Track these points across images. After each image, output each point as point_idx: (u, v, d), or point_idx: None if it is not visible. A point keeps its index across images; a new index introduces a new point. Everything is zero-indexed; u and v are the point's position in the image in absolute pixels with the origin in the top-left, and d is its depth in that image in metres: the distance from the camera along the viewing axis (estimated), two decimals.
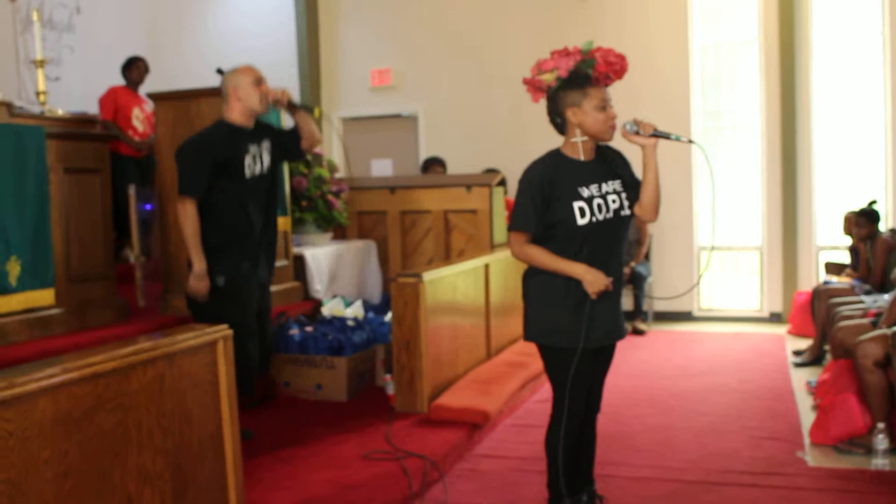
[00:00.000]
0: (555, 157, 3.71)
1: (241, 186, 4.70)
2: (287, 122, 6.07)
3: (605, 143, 3.73)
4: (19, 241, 4.75)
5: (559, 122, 3.68)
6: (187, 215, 4.57)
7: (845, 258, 8.32)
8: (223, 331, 3.45)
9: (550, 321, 3.66)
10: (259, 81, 4.75)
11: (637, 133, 3.61)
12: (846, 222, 7.94)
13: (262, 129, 4.90)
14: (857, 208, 7.89)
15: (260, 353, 4.96)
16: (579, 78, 3.62)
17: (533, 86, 3.76)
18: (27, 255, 4.80)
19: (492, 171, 8.51)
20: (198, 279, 4.61)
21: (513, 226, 3.66)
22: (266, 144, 4.86)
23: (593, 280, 3.52)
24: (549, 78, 3.67)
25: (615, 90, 3.77)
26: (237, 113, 4.74)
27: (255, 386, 4.96)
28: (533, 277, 3.71)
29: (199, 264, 4.60)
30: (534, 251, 3.62)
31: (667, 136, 3.64)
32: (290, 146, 5.03)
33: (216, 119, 4.84)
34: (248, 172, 4.72)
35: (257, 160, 4.77)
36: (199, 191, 4.58)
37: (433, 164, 9.31)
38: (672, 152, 9.29)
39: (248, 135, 4.78)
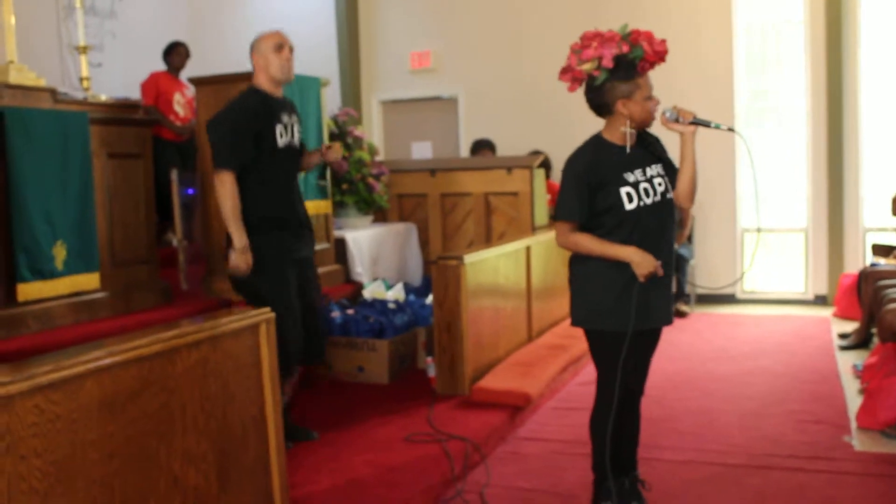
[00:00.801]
0: (598, 143, 3.68)
1: (275, 156, 4.50)
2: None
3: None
4: (65, 226, 4.82)
5: (605, 111, 3.64)
6: (226, 189, 4.32)
7: (893, 240, 8.19)
8: (266, 314, 3.47)
9: (597, 305, 3.66)
10: (280, 47, 4.52)
11: (677, 121, 3.60)
12: (894, 203, 7.81)
13: (291, 105, 4.74)
14: None
15: (309, 335, 4.64)
16: (627, 68, 3.56)
17: (572, 76, 3.65)
18: (73, 239, 4.86)
19: (536, 154, 8.47)
20: (240, 255, 4.35)
21: (559, 215, 3.64)
22: (296, 118, 4.68)
23: (641, 262, 3.50)
24: (590, 67, 3.58)
25: (656, 72, 3.75)
26: (263, 80, 4.54)
27: (293, 369, 4.64)
28: (580, 262, 3.72)
29: (240, 239, 4.34)
30: (580, 238, 3.61)
31: (706, 125, 3.63)
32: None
33: (246, 87, 4.65)
34: (280, 142, 4.50)
35: (288, 129, 4.58)
36: (239, 162, 4.35)
37: (482, 148, 9.28)
38: (715, 133, 9.19)
39: (279, 103, 4.58)
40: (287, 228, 4.57)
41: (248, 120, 4.40)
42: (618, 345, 3.57)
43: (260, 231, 4.44)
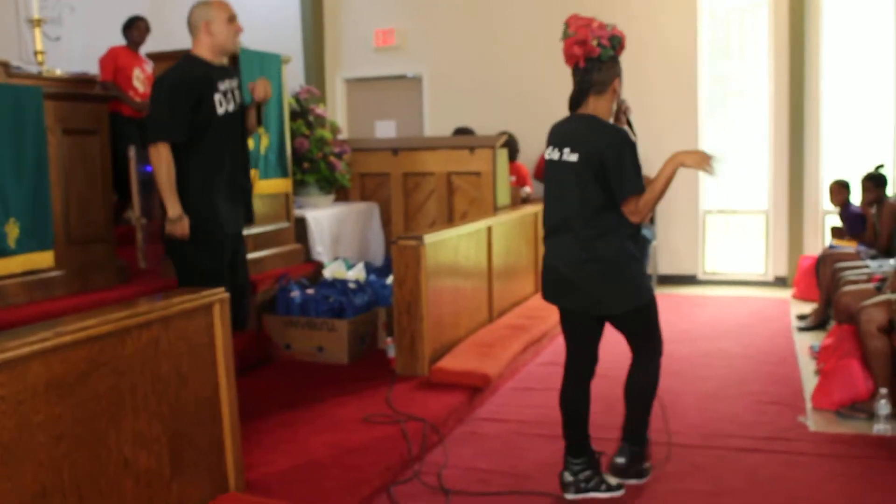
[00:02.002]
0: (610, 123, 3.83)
1: (214, 126, 4.42)
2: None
3: None
4: (18, 203, 4.72)
5: (602, 89, 3.75)
6: (161, 159, 4.29)
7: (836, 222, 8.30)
8: (219, 294, 3.44)
9: (640, 280, 3.84)
10: (233, 19, 4.50)
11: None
12: (831, 193, 7.92)
13: (231, 70, 4.67)
14: (840, 178, 7.91)
15: (234, 305, 4.36)
16: (619, 50, 3.78)
17: (586, 51, 3.72)
18: (26, 217, 4.77)
19: (502, 134, 8.45)
20: (172, 223, 4.34)
21: (635, 191, 3.64)
22: (235, 83, 4.59)
23: (691, 156, 3.66)
24: (595, 44, 3.71)
25: (622, 56, 3.86)
26: (206, 48, 4.46)
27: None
28: (606, 248, 3.72)
29: (173, 208, 4.32)
30: (649, 197, 3.64)
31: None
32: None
33: (182, 54, 4.56)
34: (219, 110, 4.43)
35: (228, 97, 4.49)
36: (177, 134, 4.30)
37: (463, 135, 9.26)
38: (678, 114, 9.23)
39: (219, 71, 4.51)
40: (223, 199, 4.51)
41: (185, 91, 4.33)
42: (656, 308, 3.94)
43: (195, 201, 4.40)
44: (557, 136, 3.86)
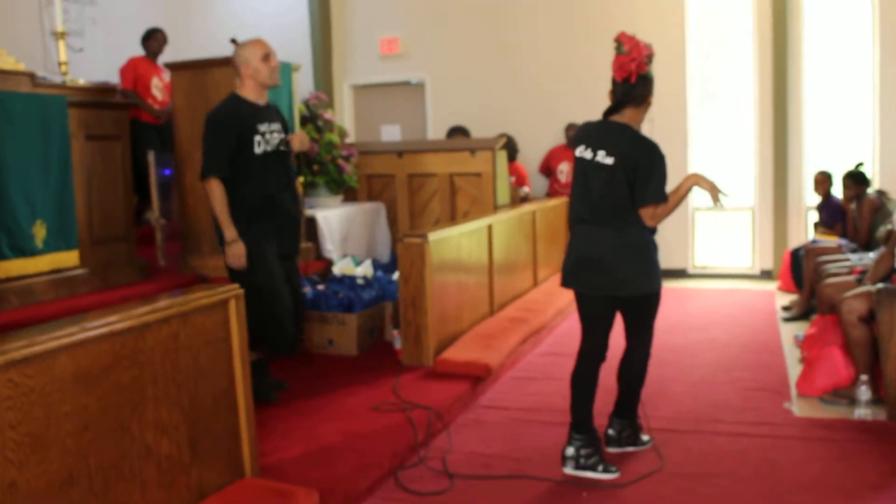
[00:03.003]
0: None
1: (253, 163, 4.53)
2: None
3: None
4: (45, 206, 4.75)
5: (640, 102, 3.92)
6: (214, 194, 4.45)
7: (816, 217, 8.30)
8: (235, 290, 3.44)
9: (655, 268, 3.97)
10: (268, 56, 4.56)
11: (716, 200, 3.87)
12: (816, 183, 7.94)
13: (274, 112, 4.73)
14: (825, 170, 7.93)
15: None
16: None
17: (638, 66, 3.86)
18: (52, 218, 4.80)
19: (501, 136, 8.44)
20: (230, 248, 4.49)
21: (658, 197, 3.83)
22: (277, 126, 4.67)
23: (704, 180, 3.89)
24: (645, 62, 3.88)
25: (610, 57, 3.95)
26: (248, 88, 4.58)
27: (295, 345, 4.81)
28: (638, 233, 3.89)
29: (229, 233, 4.47)
30: (669, 206, 3.87)
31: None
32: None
33: (230, 92, 4.67)
34: (258, 150, 4.54)
35: (266, 138, 4.58)
36: (222, 170, 4.44)
37: (457, 134, 9.26)
38: (668, 119, 9.22)
39: (261, 112, 4.60)
40: (267, 225, 4.61)
41: (226, 132, 4.45)
42: (659, 300, 4.09)
43: (242, 227, 4.52)
44: (591, 138, 3.98)
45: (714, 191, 3.83)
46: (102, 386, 2.76)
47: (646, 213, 3.84)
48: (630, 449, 4.27)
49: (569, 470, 4.02)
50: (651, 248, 3.95)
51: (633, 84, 3.87)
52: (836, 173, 7.89)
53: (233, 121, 4.48)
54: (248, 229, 4.54)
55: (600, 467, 4.00)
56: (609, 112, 3.98)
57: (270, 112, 4.69)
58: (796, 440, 4.37)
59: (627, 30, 3.93)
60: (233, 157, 4.47)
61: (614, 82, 3.93)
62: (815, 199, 8.63)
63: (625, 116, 3.94)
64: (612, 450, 4.25)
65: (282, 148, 4.67)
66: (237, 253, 4.49)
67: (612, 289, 3.93)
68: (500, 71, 9.98)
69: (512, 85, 9.92)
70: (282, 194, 4.69)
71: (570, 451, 4.04)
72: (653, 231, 3.97)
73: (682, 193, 3.90)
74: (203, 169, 4.46)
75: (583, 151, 3.98)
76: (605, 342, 4.08)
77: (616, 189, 3.84)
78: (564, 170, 9.45)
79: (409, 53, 10.41)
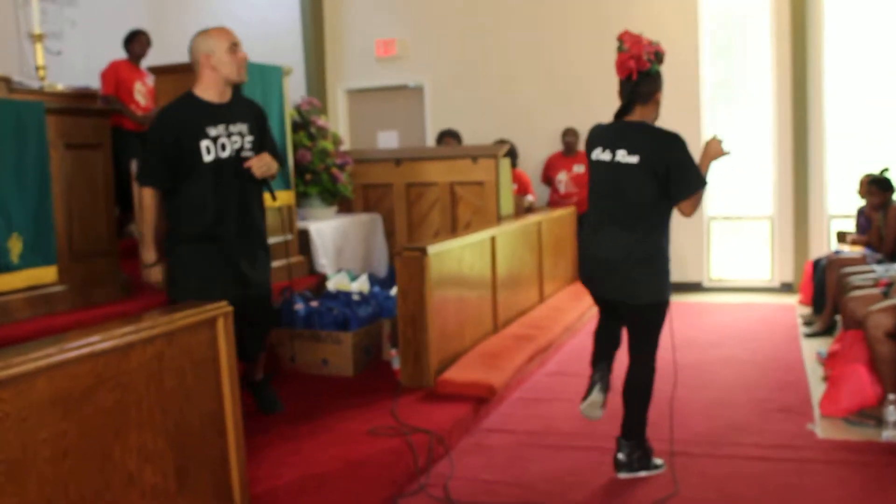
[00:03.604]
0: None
1: (201, 171, 4.24)
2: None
3: None
4: (20, 218, 4.74)
5: (648, 99, 4.10)
6: (142, 204, 4.27)
7: (852, 224, 8.26)
8: (223, 308, 3.44)
9: (668, 278, 4.19)
10: (236, 47, 4.29)
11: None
12: (861, 185, 7.88)
13: (242, 110, 4.41)
14: (871, 173, 7.86)
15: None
16: (660, 65, 4.13)
17: (639, 65, 4.04)
18: (29, 232, 4.79)
19: (502, 143, 8.45)
20: (147, 270, 4.44)
21: (701, 186, 4.07)
22: (241, 127, 4.35)
23: (714, 147, 4.18)
24: (646, 59, 4.04)
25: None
26: (209, 83, 4.28)
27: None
28: (662, 238, 4.11)
29: (146, 256, 4.40)
30: (695, 199, 4.08)
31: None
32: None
33: (184, 93, 4.40)
34: (207, 157, 4.24)
35: (218, 143, 4.26)
36: (155, 179, 4.23)
37: (447, 137, 9.25)
38: (682, 121, 9.23)
39: (217, 113, 4.29)
40: (209, 245, 4.36)
41: (165, 134, 4.22)
42: (666, 312, 4.27)
43: (178, 245, 4.38)
44: (606, 139, 4.14)
45: (720, 150, 4.16)
46: (83, 410, 2.75)
47: (687, 205, 4.05)
48: (643, 474, 4.27)
49: (624, 475, 4.26)
50: (665, 258, 4.13)
51: (636, 81, 4.04)
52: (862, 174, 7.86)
53: (174, 123, 4.22)
54: (183, 251, 4.35)
55: (651, 465, 4.29)
56: (620, 113, 4.14)
57: (235, 111, 4.36)
58: (820, 464, 4.36)
59: (638, 29, 4.08)
60: (175, 165, 4.21)
61: (620, 82, 4.11)
62: (840, 206, 8.66)
63: (635, 115, 4.10)
64: (623, 475, 4.26)
65: (243, 154, 4.36)
66: (153, 279, 4.45)
67: (624, 296, 4.15)
68: (504, 74, 10.00)
69: (516, 89, 9.94)
70: (237, 210, 4.38)
71: (622, 457, 4.27)
72: (668, 239, 4.16)
73: (706, 171, 4.13)
74: (138, 175, 4.34)
75: (600, 154, 4.14)
76: (619, 330, 4.43)
77: (643, 188, 4.01)
78: (563, 179, 9.46)
79: (407, 56, 10.43)
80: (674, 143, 4.02)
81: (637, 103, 4.09)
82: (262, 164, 4.42)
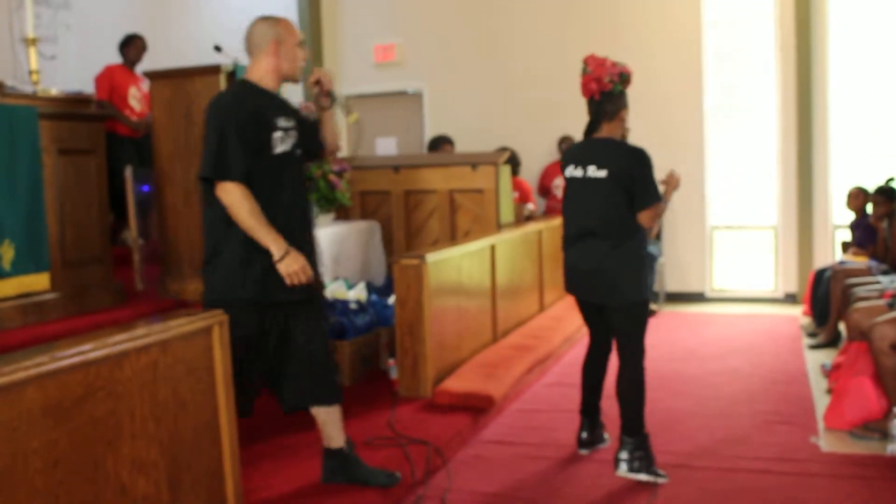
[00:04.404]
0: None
1: (271, 166, 3.83)
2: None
3: None
4: (12, 225, 4.75)
5: (611, 117, 4.49)
6: (234, 199, 3.68)
7: (848, 236, 8.28)
8: (218, 316, 3.43)
9: (645, 278, 4.48)
10: (303, 44, 3.99)
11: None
12: (850, 198, 7.92)
13: (290, 108, 4.00)
14: (860, 184, 7.91)
15: (279, 379, 4.00)
16: (626, 86, 4.52)
17: (600, 87, 4.46)
18: (21, 238, 4.80)
19: (503, 150, 8.45)
20: (286, 262, 3.74)
21: (655, 200, 4.41)
22: (293, 123, 3.94)
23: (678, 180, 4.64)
24: (607, 81, 4.45)
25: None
26: (269, 72, 3.89)
27: (246, 410, 3.93)
28: (631, 239, 4.41)
29: (277, 246, 3.73)
30: (660, 206, 4.46)
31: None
32: (311, 144, 4.09)
33: (234, 82, 4.08)
34: (277, 149, 3.85)
35: (289, 135, 3.90)
36: (238, 171, 3.69)
37: (442, 143, 9.24)
38: (687, 131, 9.25)
39: (280, 103, 3.93)
40: (266, 258, 3.79)
41: (244, 122, 3.75)
42: (647, 309, 4.57)
43: (231, 254, 3.81)
44: (578, 157, 4.56)
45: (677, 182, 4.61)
46: (74, 420, 2.74)
47: (647, 216, 4.41)
48: (642, 476, 4.42)
49: (622, 473, 4.45)
50: (642, 259, 4.46)
51: (599, 101, 4.48)
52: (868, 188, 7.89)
53: (250, 109, 3.79)
54: (236, 256, 3.78)
55: (652, 470, 4.44)
56: (588, 131, 4.59)
57: (286, 107, 3.98)
58: (824, 478, 4.36)
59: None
60: (246, 161, 3.74)
61: (587, 101, 4.56)
62: (844, 216, 8.65)
63: (603, 132, 4.52)
64: (622, 473, 4.45)
65: (297, 152, 3.97)
66: (297, 266, 3.76)
67: (605, 297, 4.48)
68: (505, 80, 10.02)
69: (517, 96, 9.95)
70: (291, 215, 3.94)
71: (624, 454, 4.47)
72: (645, 243, 4.50)
73: (669, 198, 4.57)
74: (211, 170, 3.72)
75: (573, 171, 4.56)
76: (608, 337, 4.71)
77: (611, 200, 4.40)
78: (559, 184, 9.48)
79: (406, 61, 10.45)
80: (642, 160, 4.40)
81: (603, 121, 4.51)
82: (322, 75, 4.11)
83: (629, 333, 4.50)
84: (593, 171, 4.43)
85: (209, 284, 3.87)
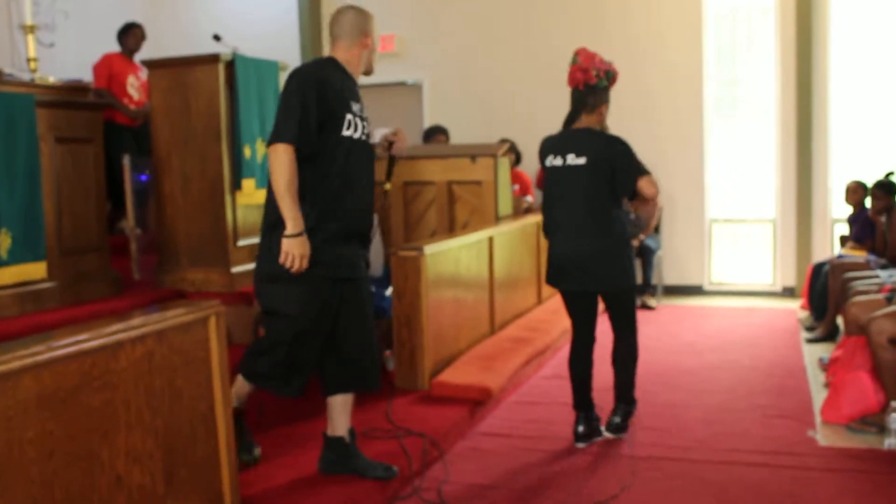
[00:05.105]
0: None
1: (341, 146, 3.85)
2: None
3: None
4: (9, 213, 4.72)
5: (591, 110, 4.69)
6: (279, 164, 3.68)
7: (845, 230, 8.26)
8: (215, 306, 3.42)
9: (633, 263, 4.77)
10: (378, 41, 4.15)
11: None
12: (848, 192, 7.92)
13: (360, 96, 4.08)
14: (859, 179, 7.89)
15: (333, 364, 4.12)
16: (612, 82, 4.72)
17: (585, 79, 4.63)
18: (18, 227, 4.77)
19: (503, 142, 8.43)
20: (291, 242, 3.69)
21: (643, 171, 4.62)
22: (364, 111, 4.04)
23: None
24: (594, 74, 4.62)
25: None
26: (355, 59, 3.99)
27: (303, 389, 4.10)
28: (621, 227, 4.64)
29: (295, 223, 3.70)
30: (644, 182, 4.62)
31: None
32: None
33: (326, 56, 4.07)
34: (346, 132, 3.87)
35: (359, 122, 3.95)
36: (299, 139, 3.71)
37: (436, 134, 9.19)
38: (683, 124, 9.24)
39: (357, 90, 4.02)
40: (338, 232, 3.90)
41: (318, 94, 3.78)
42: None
43: (313, 233, 3.81)
44: (556, 146, 4.74)
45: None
46: (70, 410, 2.74)
47: (644, 184, 4.58)
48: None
49: (582, 444, 4.81)
50: (626, 246, 4.69)
51: (583, 92, 4.66)
52: (866, 183, 7.88)
53: (328, 85, 3.83)
54: (319, 236, 3.82)
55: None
56: (568, 122, 4.77)
57: (360, 97, 4.06)
58: (821, 472, 4.35)
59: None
60: (315, 133, 3.78)
61: (571, 92, 4.73)
62: (843, 210, 8.63)
63: (582, 123, 4.71)
64: (614, 435, 4.92)
65: (364, 139, 4.00)
66: (299, 252, 3.71)
67: (595, 285, 4.70)
68: (505, 72, 9.99)
69: (516, 87, 9.93)
70: (359, 198, 3.98)
71: (617, 419, 4.92)
72: (627, 226, 4.77)
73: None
74: (274, 132, 3.77)
75: (552, 160, 4.73)
76: (593, 328, 4.89)
77: (592, 186, 4.58)
78: None
79: (406, 52, 10.42)
80: (619, 146, 4.60)
81: (584, 112, 4.70)
82: (405, 140, 4.44)
83: (625, 313, 4.84)
84: (572, 159, 4.61)
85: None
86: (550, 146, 4.78)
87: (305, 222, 3.75)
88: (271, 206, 3.84)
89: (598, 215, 4.60)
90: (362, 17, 4.05)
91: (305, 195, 3.79)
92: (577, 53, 4.68)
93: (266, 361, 3.97)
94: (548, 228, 4.85)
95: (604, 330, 4.95)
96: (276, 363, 3.94)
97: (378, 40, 4.16)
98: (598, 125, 4.73)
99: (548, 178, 4.79)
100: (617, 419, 4.93)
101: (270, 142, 3.78)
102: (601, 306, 4.87)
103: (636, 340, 4.89)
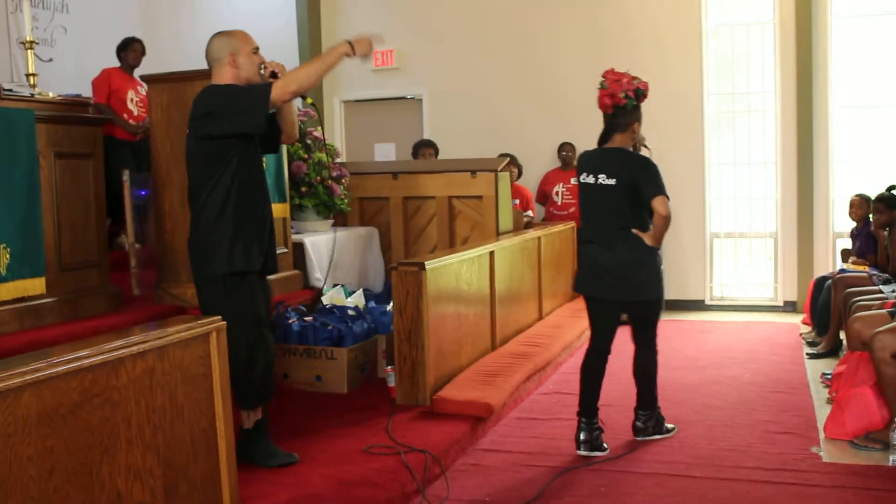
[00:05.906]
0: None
1: (256, 160, 4.31)
2: None
3: None
4: (8, 229, 4.72)
5: (623, 129, 4.88)
6: (287, 81, 4.18)
7: (848, 245, 8.26)
8: (216, 322, 3.42)
9: (662, 279, 5.12)
10: (257, 51, 4.38)
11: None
12: (852, 206, 7.92)
13: None
14: (862, 192, 7.89)
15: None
16: (641, 102, 4.91)
17: (614, 102, 4.80)
18: (17, 242, 4.77)
19: (503, 157, 8.44)
20: (357, 44, 4.38)
21: (663, 191, 4.79)
22: None
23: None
24: (622, 96, 4.79)
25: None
26: (229, 80, 4.31)
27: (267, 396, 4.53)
28: (643, 250, 4.84)
29: (339, 48, 4.34)
30: (658, 202, 4.79)
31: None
32: (268, 136, 4.50)
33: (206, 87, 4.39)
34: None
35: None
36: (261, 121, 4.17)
37: (423, 148, 9.14)
38: (685, 137, 9.25)
39: None
40: (258, 242, 4.35)
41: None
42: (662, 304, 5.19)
43: (234, 244, 4.25)
44: (591, 165, 4.95)
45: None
46: (70, 426, 2.73)
47: (658, 202, 4.73)
48: (657, 437, 5.14)
49: (584, 452, 4.88)
50: (654, 258, 4.91)
51: (612, 115, 4.86)
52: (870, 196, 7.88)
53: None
54: (240, 246, 4.25)
55: (604, 447, 4.95)
56: (602, 140, 4.96)
57: None
58: (824, 488, 4.34)
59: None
60: (236, 148, 4.23)
61: (603, 114, 4.93)
62: (845, 224, 8.64)
63: (615, 142, 4.91)
64: (640, 438, 5.12)
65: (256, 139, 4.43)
66: (364, 38, 4.44)
67: (625, 294, 4.89)
68: (505, 86, 10.01)
69: (515, 102, 9.96)
70: (266, 192, 4.49)
71: (584, 436, 4.93)
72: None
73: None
74: (261, 93, 4.16)
75: (586, 178, 4.95)
76: (611, 340, 5.03)
77: (620, 206, 4.81)
78: (560, 191, 9.49)
79: (406, 66, 10.45)
80: (643, 165, 4.84)
81: (616, 132, 4.90)
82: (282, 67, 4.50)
83: (648, 325, 5.11)
84: (604, 179, 4.84)
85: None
86: (585, 164, 5.00)
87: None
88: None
89: (628, 232, 4.82)
90: (222, 40, 4.37)
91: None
92: (604, 77, 4.87)
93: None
94: (581, 238, 5.18)
95: (618, 345, 5.07)
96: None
97: (250, 52, 4.36)
98: (632, 141, 4.96)
99: (581, 193, 5.06)
100: (639, 424, 5.17)
101: (265, 96, 4.13)
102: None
103: (656, 352, 5.17)
